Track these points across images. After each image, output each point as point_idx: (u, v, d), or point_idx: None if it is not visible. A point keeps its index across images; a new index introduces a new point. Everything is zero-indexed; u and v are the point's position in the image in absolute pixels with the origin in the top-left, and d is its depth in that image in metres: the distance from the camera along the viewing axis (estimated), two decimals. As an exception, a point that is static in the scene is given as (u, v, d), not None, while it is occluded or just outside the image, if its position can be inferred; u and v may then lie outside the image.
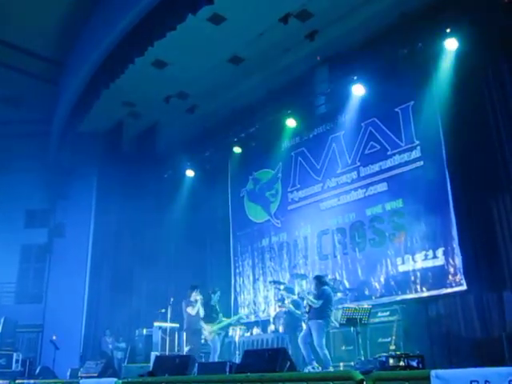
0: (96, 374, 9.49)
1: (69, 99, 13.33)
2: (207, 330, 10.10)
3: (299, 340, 8.57)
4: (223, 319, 10.33)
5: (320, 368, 8.10)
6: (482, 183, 8.82)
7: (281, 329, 10.00)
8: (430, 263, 9.32)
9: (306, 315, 8.85)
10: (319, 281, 8.81)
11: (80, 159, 15.13)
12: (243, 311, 12.58)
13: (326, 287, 8.84)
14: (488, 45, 8.88)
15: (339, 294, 10.19)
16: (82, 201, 15.36)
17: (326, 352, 8.26)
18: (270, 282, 11.85)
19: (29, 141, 16.69)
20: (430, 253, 9.33)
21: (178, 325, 11.91)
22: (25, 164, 16.52)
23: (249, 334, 11.02)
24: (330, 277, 10.52)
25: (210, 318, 10.12)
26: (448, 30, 9.21)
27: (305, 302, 9.23)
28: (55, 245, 15.97)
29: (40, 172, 16.46)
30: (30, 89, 15.06)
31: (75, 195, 15.44)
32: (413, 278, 9.48)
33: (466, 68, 9.18)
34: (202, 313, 9.99)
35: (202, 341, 11.00)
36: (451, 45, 9.26)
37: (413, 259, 9.58)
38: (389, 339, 8.32)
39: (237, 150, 13.32)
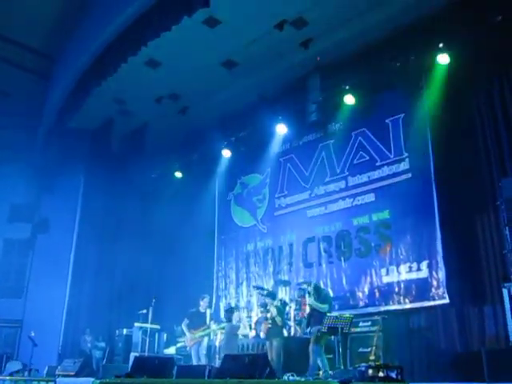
0: (73, 373, 9.39)
1: (60, 94, 13.23)
2: (188, 336, 10.06)
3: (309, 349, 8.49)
4: (212, 326, 10.21)
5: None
6: (468, 198, 8.89)
7: (262, 334, 9.97)
8: (414, 275, 9.36)
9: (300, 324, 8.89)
10: (319, 287, 8.89)
11: (68, 155, 14.97)
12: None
13: (327, 292, 8.93)
14: (479, 61, 8.97)
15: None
16: (68, 197, 15.20)
17: (318, 359, 8.22)
18: (254, 287, 11.83)
19: (16, 133, 16.52)
20: (415, 265, 9.38)
21: (158, 326, 11.86)
22: (11, 157, 16.34)
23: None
24: (313, 284, 10.53)
25: (194, 324, 10.07)
26: (440, 45, 9.28)
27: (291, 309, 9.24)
28: (38, 240, 15.80)
29: (26, 166, 16.29)
30: (20, 81, 14.93)
31: (61, 191, 15.26)
32: (397, 290, 9.52)
33: (457, 83, 9.26)
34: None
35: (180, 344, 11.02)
36: (443, 59, 9.33)
37: (397, 271, 9.62)
38: (369, 349, 8.35)
39: (226, 153, 13.31)
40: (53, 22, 12.71)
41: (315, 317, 8.47)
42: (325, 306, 8.45)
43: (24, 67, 14.46)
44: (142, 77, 12.26)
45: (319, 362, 8.18)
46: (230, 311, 10.41)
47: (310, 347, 8.24)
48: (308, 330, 8.58)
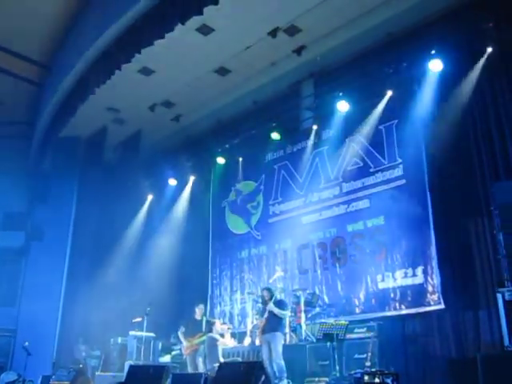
0: (68, 382, 9.34)
1: (53, 103, 13.19)
2: (185, 344, 10.04)
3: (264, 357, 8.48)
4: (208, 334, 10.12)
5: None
6: (462, 204, 8.92)
7: (257, 341, 9.94)
8: (409, 281, 9.35)
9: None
10: (272, 292, 8.82)
11: (61, 163, 14.96)
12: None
13: (280, 298, 8.93)
14: (471, 67, 9.03)
15: (317, 309, 10.19)
16: (62, 205, 15.13)
17: (283, 362, 8.21)
18: (248, 293, 11.80)
19: (9, 142, 16.46)
20: (410, 271, 9.37)
21: (153, 334, 11.80)
22: (4, 165, 16.27)
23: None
24: (309, 291, 10.50)
25: (191, 332, 10.04)
26: (433, 52, 9.33)
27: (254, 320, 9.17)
28: (32, 249, 15.69)
29: (19, 174, 16.21)
30: (13, 90, 14.89)
31: (55, 199, 15.20)
32: (392, 296, 9.50)
33: (449, 89, 9.31)
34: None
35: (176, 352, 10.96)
36: (435, 66, 9.38)
37: (393, 276, 9.61)
38: (365, 356, 8.32)
39: (220, 160, 13.32)
40: (46, 30, 12.69)
41: (270, 323, 8.44)
42: (286, 313, 8.51)
43: (17, 76, 14.43)
44: (136, 84, 12.29)
45: (279, 367, 8.12)
46: (211, 322, 10.39)
47: (275, 355, 8.16)
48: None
